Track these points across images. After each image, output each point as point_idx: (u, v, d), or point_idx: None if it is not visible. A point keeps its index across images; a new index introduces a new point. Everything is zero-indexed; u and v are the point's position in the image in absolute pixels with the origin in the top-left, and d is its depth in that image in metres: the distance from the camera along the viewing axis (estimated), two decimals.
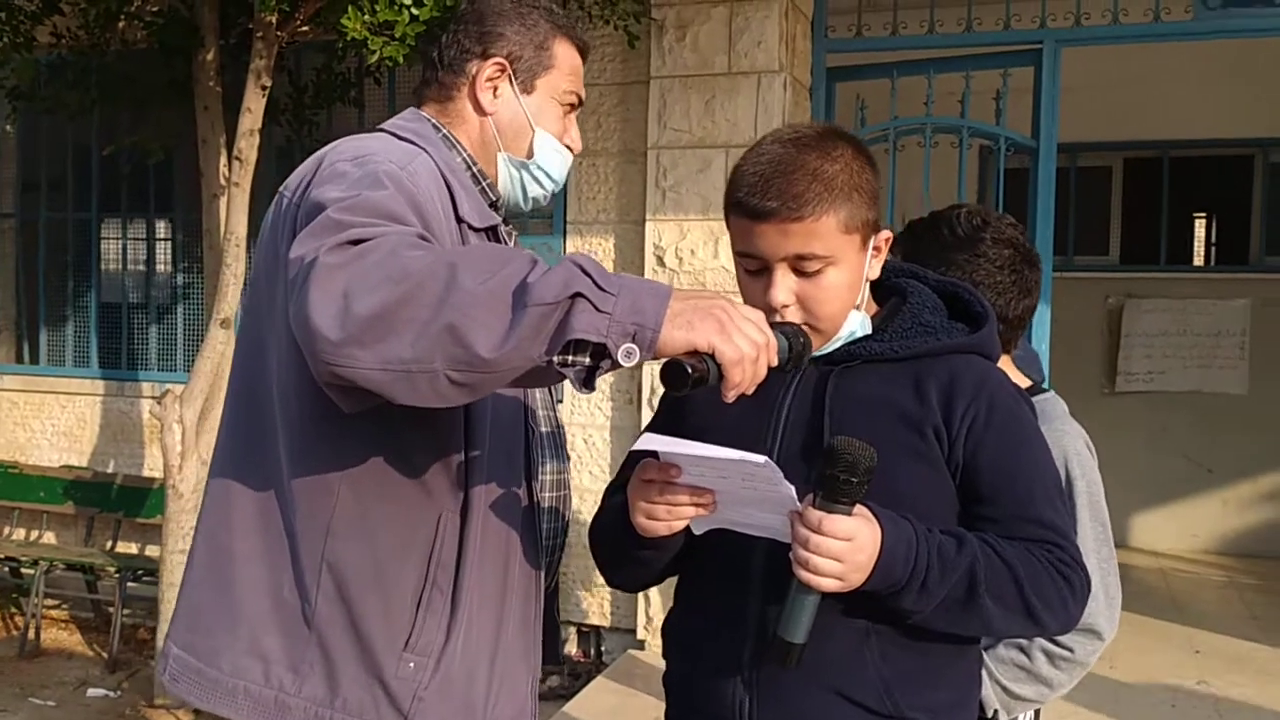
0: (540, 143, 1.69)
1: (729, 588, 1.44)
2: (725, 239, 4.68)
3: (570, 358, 1.19)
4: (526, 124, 1.67)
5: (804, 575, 1.27)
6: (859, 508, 1.27)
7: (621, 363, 1.18)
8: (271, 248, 1.53)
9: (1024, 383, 1.86)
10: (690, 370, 1.19)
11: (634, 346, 1.18)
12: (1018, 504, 1.37)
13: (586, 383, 1.22)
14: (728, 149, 4.68)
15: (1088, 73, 5.71)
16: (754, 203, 1.36)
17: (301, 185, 1.50)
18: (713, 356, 1.20)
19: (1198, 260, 7.71)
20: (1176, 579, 6.47)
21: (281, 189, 1.57)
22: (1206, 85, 6.54)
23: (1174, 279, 7.27)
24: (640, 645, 4.96)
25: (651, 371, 4.79)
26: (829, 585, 1.27)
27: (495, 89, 1.66)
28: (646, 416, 4.84)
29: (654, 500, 1.35)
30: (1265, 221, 7.16)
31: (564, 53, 1.70)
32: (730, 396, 1.23)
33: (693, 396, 1.53)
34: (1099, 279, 7.24)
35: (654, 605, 4.87)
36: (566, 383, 1.23)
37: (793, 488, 1.26)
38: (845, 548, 1.25)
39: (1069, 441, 1.81)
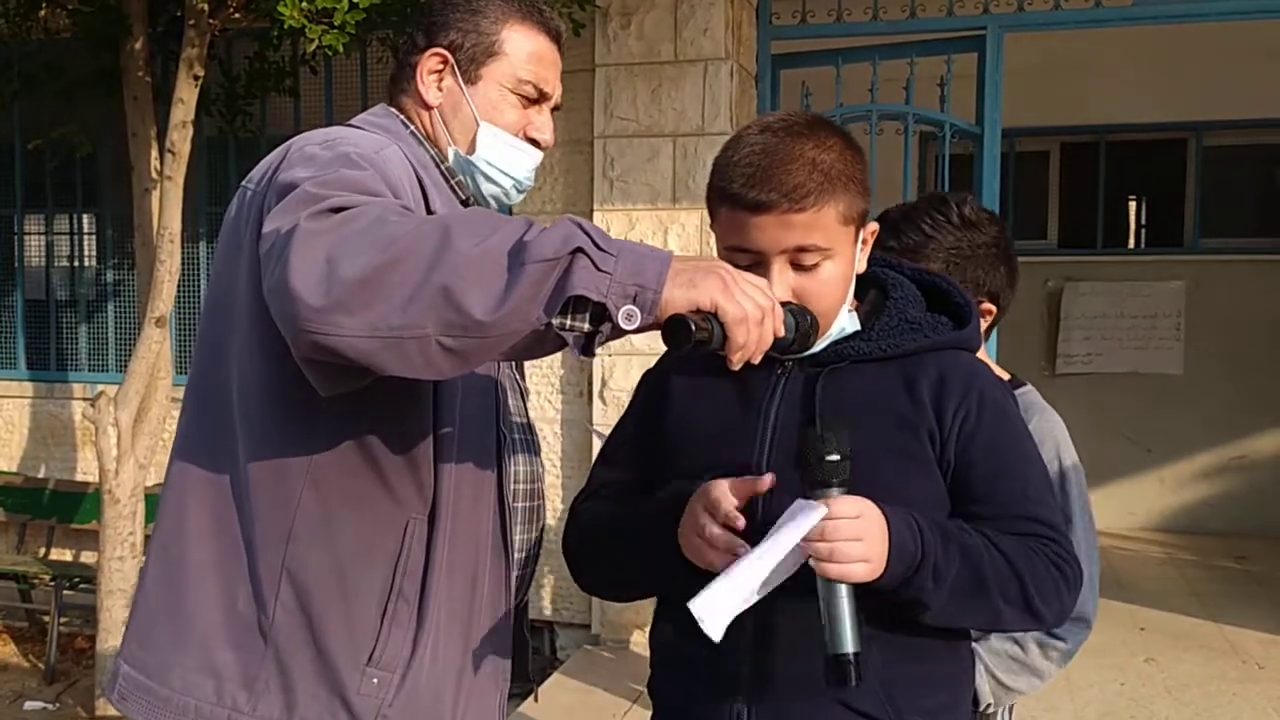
0: (485, 137, 1.58)
1: None
2: (675, 229, 4.68)
3: (569, 321, 1.13)
4: (471, 117, 1.58)
5: (832, 569, 1.20)
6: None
7: (623, 326, 1.13)
8: (234, 240, 1.45)
9: (1004, 375, 1.84)
10: (694, 327, 1.13)
11: (635, 309, 1.13)
12: (1012, 501, 1.35)
13: (586, 349, 1.16)
14: (675, 138, 4.64)
15: (1025, 58, 5.76)
16: (752, 195, 1.30)
17: (267, 174, 1.42)
18: (716, 317, 1.15)
19: (1133, 243, 7.84)
20: (1117, 557, 6.58)
21: (245, 182, 1.48)
22: (1141, 70, 6.64)
23: (1111, 262, 7.39)
24: (595, 641, 4.91)
25: (603, 365, 4.74)
26: (859, 571, 1.21)
27: (439, 81, 1.58)
28: (598, 409, 4.79)
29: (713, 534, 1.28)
30: (1199, 204, 7.30)
31: (518, 38, 1.58)
32: (735, 361, 1.17)
33: (672, 392, 1.48)
34: (1038, 263, 7.31)
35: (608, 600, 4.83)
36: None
37: (822, 507, 1.21)
38: (861, 524, 1.21)
39: (1058, 432, 1.80)
